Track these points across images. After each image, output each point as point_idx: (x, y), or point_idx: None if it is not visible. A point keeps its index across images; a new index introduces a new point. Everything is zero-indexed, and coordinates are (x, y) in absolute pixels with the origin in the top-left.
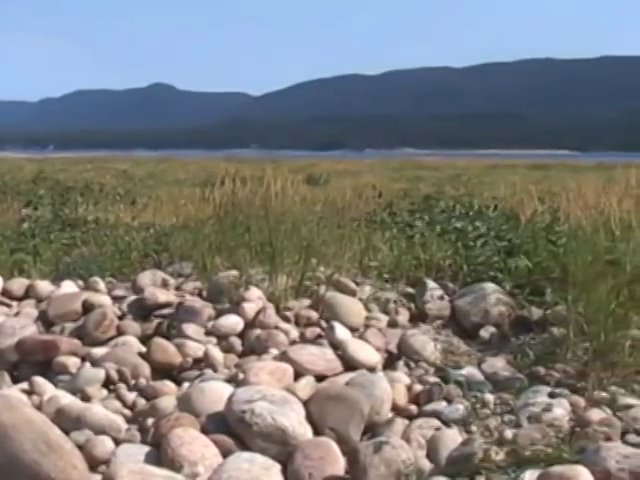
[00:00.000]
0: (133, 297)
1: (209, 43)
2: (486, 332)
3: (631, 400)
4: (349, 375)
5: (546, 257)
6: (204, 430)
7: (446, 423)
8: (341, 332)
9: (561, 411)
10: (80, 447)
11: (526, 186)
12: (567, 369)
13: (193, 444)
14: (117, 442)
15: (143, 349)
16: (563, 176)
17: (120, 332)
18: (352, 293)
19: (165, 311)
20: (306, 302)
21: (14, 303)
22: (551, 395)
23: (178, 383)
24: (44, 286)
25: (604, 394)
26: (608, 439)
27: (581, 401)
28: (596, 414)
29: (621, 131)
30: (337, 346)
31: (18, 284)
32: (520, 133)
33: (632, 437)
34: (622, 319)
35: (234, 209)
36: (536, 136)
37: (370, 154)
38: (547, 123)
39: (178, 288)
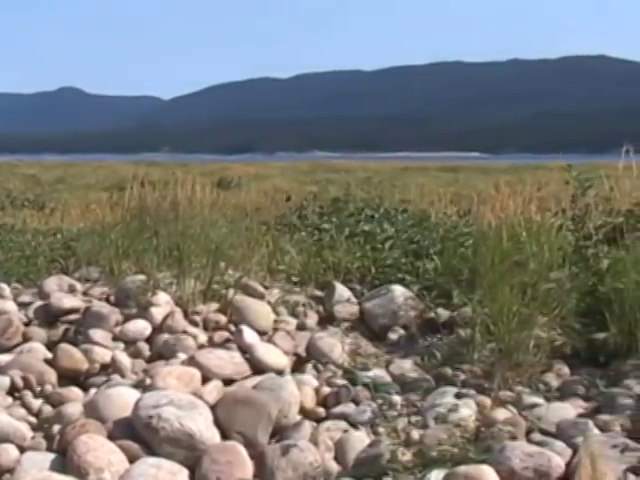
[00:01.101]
0: (39, 303)
1: (119, 46)
2: (394, 334)
3: (536, 399)
4: (257, 379)
5: (454, 259)
6: (111, 436)
7: (354, 425)
8: (249, 336)
9: (467, 411)
10: None
11: (436, 188)
12: (474, 370)
13: (99, 450)
14: (22, 450)
15: (49, 355)
16: (473, 178)
17: (26, 338)
18: (261, 296)
19: (72, 317)
20: (214, 306)
21: None
22: (457, 396)
23: (85, 389)
24: None
25: (510, 394)
26: (513, 438)
27: (487, 401)
28: (501, 414)
29: (530, 133)
30: (245, 350)
31: None
32: (431, 135)
33: (536, 436)
34: (527, 319)
35: (142, 213)
36: (447, 138)
37: (281, 157)
38: (458, 125)
39: (85, 293)
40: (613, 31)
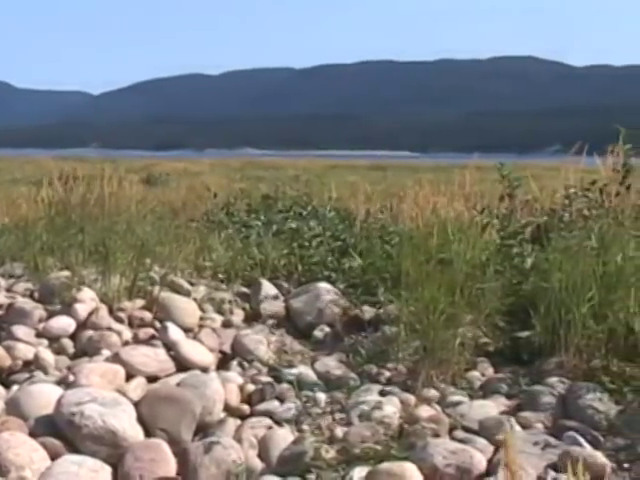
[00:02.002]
0: None
1: (49, 40)
2: (320, 331)
3: (459, 397)
4: (182, 376)
5: (380, 256)
6: (33, 434)
7: (278, 422)
8: (174, 333)
9: (391, 409)
10: None
11: (365, 186)
12: (398, 367)
13: (20, 448)
14: None
15: None
16: (402, 176)
17: None
18: (186, 293)
19: None
20: (140, 303)
21: None
22: (382, 393)
23: (7, 386)
24: None
25: (434, 391)
26: (436, 435)
27: (411, 399)
28: (425, 411)
29: (460, 133)
30: (170, 347)
31: None
32: (360, 134)
33: (459, 433)
34: (452, 318)
35: (67, 209)
36: (376, 137)
37: (212, 154)
38: (387, 124)
39: (9, 289)
40: (542, 32)
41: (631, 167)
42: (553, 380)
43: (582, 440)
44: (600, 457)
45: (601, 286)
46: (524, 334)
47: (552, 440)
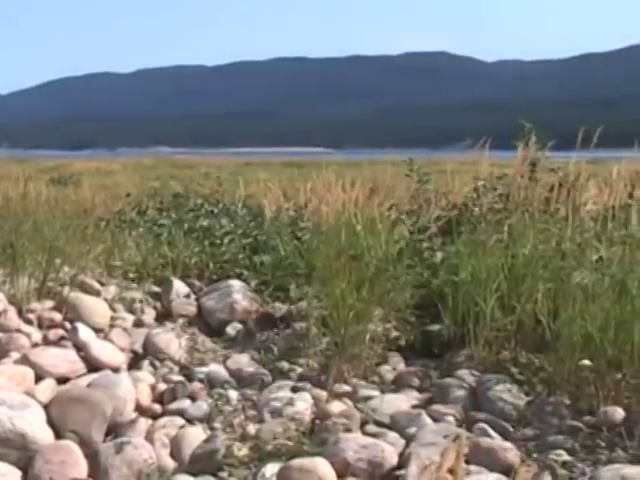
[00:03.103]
0: None
1: None
2: (232, 329)
3: (371, 391)
4: (92, 376)
5: (291, 253)
6: None
7: (190, 421)
8: (85, 333)
9: (303, 405)
10: None
11: (278, 183)
12: (310, 363)
13: None
14: None
15: None
16: (316, 173)
17: None
18: (97, 293)
19: None
20: (49, 304)
21: None
22: (294, 389)
23: None
24: None
25: (345, 386)
26: (348, 430)
27: (323, 394)
28: (337, 406)
29: (373, 129)
30: (81, 347)
31: None
32: (275, 131)
33: (371, 427)
34: (363, 313)
35: None
36: (291, 134)
37: (124, 153)
38: (301, 121)
39: None
40: (453, 28)
41: (538, 161)
42: (463, 372)
43: (492, 431)
44: (510, 448)
45: (509, 279)
46: (434, 328)
47: (463, 432)
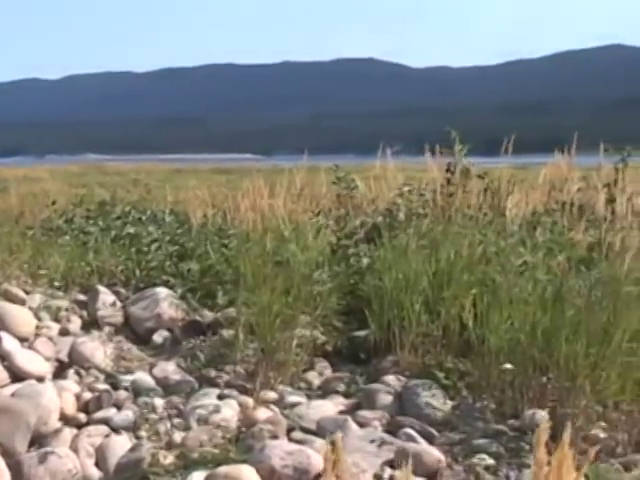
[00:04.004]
0: None
1: None
2: (159, 337)
3: (297, 398)
4: (17, 386)
5: (218, 260)
6: None
7: (115, 430)
8: (8, 342)
9: (229, 412)
10: None
11: (207, 190)
12: (237, 370)
13: None
14: None
15: None
16: (244, 179)
17: None
18: (21, 302)
19: None
20: None
21: None
22: (220, 397)
23: None
24: None
25: (272, 393)
26: (274, 437)
27: (249, 401)
28: (263, 413)
29: (304, 135)
30: (4, 357)
31: None
32: (205, 138)
33: (297, 434)
34: (289, 319)
35: None
36: (221, 140)
37: (53, 160)
38: (231, 127)
39: None
40: (381, 34)
41: (464, 168)
42: (389, 378)
43: (417, 436)
44: (435, 452)
45: (434, 284)
46: (361, 333)
47: (388, 437)
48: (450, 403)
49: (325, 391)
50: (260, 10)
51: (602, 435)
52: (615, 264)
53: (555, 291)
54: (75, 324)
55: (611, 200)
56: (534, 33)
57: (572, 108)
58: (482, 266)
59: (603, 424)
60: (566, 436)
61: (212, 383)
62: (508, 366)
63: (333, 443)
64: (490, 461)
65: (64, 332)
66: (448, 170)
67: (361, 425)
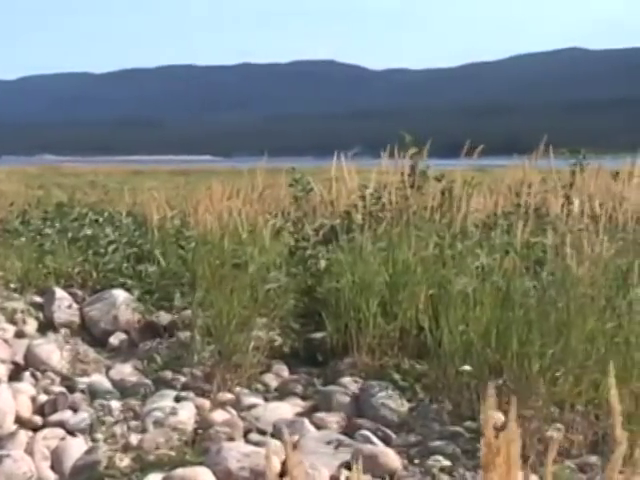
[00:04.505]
0: None
1: None
2: (116, 339)
3: (254, 400)
4: None
5: (176, 262)
6: None
7: (71, 433)
8: None
9: (186, 414)
10: None
11: (165, 192)
12: (194, 372)
13: None
14: None
15: None
16: (203, 181)
17: None
18: None
19: None
20: None
21: None
22: (177, 399)
23: None
24: None
25: (229, 395)
26: (231, 439)
27: (206, 403)
28: (220, 415)
29: (262, 136)
30: None
31: None
32: (164, 139)
33: (254, 436)
34: (246, 321)
35: None
36: (179, 142)
37: (9, 161)
38: (189, 129)
39: None
40: (341, 36)
41: (421, 170)
42: (346, 380)
43: (374, 438)
44: (391, 453)
45: (390, 286)
46: (318, 335)
47: (345, 439)
48: (407, 405)
49: (282, 393)
50: (219, 11)
51: (558, 436)
52: (569, 265)
53: (506, 292)
54: (31, 326)
55: (568, 202)
56: (494, 36)
57: (532, 111)
58: (439, 268)
59: (559, 425)
60: (512, 424)
61: (169, 385)
62: (466, 368)
63: (290, 445)
64: (446, 462)
65: (20, 334)
66: (405, 173)
67: (318, 427)
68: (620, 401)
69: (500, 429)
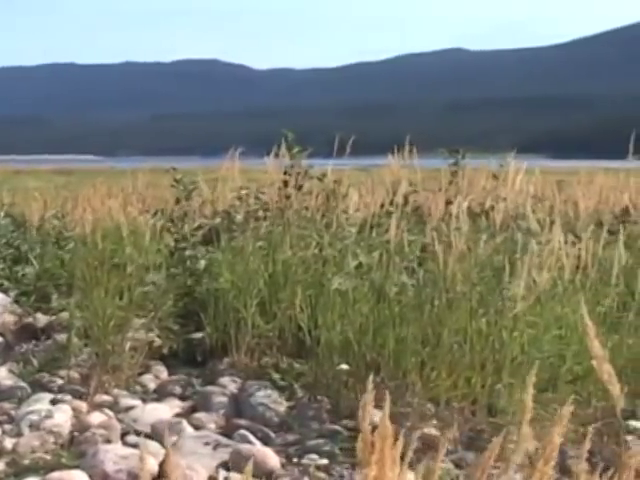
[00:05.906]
0: None
1: None
2: None
3: (132, 401)
4: None
5: (54, 263)
6: None
7: None
8: None
9: (62, 417)
10: None
11: (47, 192)
12: (71, 374)
13: None
14: None
15: None
16: (85, 181)
17: None
18: None
19: None
20: None
21: None
22: (53, 402)
23: None
24: None
25: (106, 397)
26: (108, 441)
27: (83, 406)
28: (97, 417)
29: (147, 136)
30: None
31: None
32: (45, 138)
33: (132, 438)
34: (123, 322)
35: None
36: (62, 141)
37: None
38: (71, 128)
39: None
40: (226, 36)
41: (302, 169)
42: (225, 380)
43: (252, 437)
44: (269, 453)
45: (270, 285)
46: (197, 336)
47: (223, 439)
48: (286, 404)
49: (161, 394)
50: (101, 9)
51: (434, 433)
52: (444, 264)
53: (381, 289)
54: None
55: (447, 202)
56: (377, 36)
57: (414, 110)
58: (319, 267)
59: (435, 422)
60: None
61: (46, 388)
62: (344, 367)
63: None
64: (323, 461)
65: None
66: (286, 172)
67: (196, 428)
68: (493, 396)
69: (377, 426)
